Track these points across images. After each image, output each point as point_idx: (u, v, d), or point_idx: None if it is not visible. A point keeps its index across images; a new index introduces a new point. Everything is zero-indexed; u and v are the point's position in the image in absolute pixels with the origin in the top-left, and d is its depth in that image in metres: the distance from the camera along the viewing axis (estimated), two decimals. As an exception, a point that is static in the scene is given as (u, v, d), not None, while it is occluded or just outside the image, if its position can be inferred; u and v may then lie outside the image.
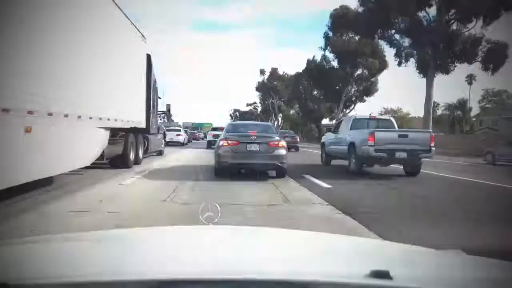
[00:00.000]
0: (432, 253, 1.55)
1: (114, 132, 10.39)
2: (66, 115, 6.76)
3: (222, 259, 1.26)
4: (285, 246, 1.59)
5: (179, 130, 33.07)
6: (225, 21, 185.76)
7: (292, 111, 74.13)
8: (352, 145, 11.40)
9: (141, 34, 12.67)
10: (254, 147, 9.53)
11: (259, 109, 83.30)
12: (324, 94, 52.64)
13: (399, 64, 32.98)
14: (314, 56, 52.03)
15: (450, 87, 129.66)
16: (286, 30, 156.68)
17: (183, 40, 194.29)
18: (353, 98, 51.88)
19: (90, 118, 7.97)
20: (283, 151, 9.69)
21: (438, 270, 1.27)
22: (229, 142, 9.58)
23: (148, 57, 14.46)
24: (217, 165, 9.86)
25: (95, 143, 8.75)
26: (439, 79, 36.63)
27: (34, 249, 1.41)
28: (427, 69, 30.86)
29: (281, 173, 9.89)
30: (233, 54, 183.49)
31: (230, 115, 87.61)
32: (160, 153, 18.04)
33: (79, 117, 7.33)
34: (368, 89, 50.81)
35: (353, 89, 50.99)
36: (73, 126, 7.22)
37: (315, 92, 57.65)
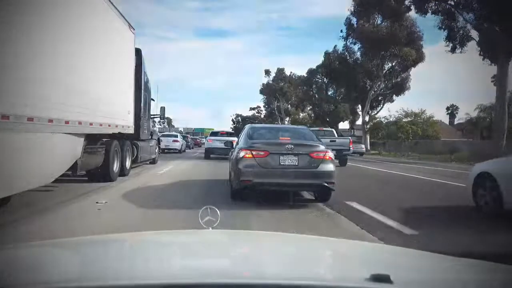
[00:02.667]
0: (432, 257, 1.56)
1: (92, 139, 8.52)
2: (5, 116, 4.87)
3: (221, 263, 1.29)
4: (285, 250, 1.59)
5: (176, 136, 29.89)
6: (225, 27, 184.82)
7: (302, 114, 66.25)
8: None
9: (128, 23, 10.83)
10: (290, 160, 6.86)
11: (263, 113, 77.84)
12: (345, 93, 44.34)
13: (453, 49, 26.68)
14: (335, 46, 42.33)
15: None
16: (286, 36, 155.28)
17: (184, 46, 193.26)
18: (380, 98, 42.50)
19: (50, 121, 6.09)
20: (331, 166, 7.02)
21: (438, 274, 1.27)
22: (254, 152, 6.89)
23: (138, 52, 12.64)
24: (236, 184, 7.14)
25: (59, 154, 6.86)
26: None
27: (33, 254, 1.39)
28: (499, 53, 23.48)
29: (324, 195, 7.32)
30: (234, 60, 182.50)
31: (232, 120, 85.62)
32: (153, 161, 16.12)
33: (30, 119, 5.44)
34: (400, 86, 41.21)
35: (381, 86, 41.36)
36: (23, 133, 5.35)
37: (330, 92, 52.25)
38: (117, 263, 1.29)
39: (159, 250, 1.53)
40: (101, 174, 9.42)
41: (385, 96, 42.14)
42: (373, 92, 40.86)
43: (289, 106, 65.45)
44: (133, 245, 1.63)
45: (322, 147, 7.14)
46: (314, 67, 52.91)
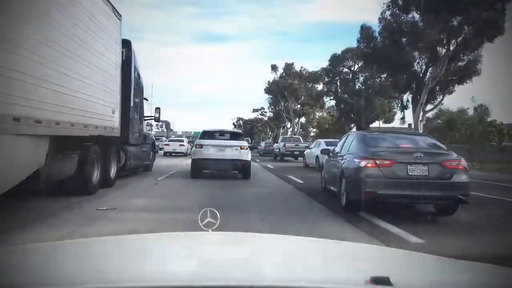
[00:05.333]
0: (432, 259, 1.56)
1: (62, 143, 6.80)
2: None
3: (221, 266, 1.26)
4: (284, 253, 1.58)
5: (182, 141, 32.36)
6: (224, 32, 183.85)
7: (319, 113, 55.59)
8: (278, 149, 27.30)
9: (113, 7, 9.15)
10: (420, 170, 6.23)
11: (268, 114, 68.66)
12: (392, 81, 29.84)
13: None
14: (382, 13, 26.05)
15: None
16: (285, 42, 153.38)
17: (182, 51, 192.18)
18: (437, 87, 27.29)
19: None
20: (465, 177, 6.43)
21: (438, 276, 1.26)
22: (378, 161, 6.29)
23: (127, 43, 10.97)
24: (355, 196, 6.52)
25: (8, 161, 5.15)
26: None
27: (32, 256, 1.39)
28: None
29: (451, 209, 6.70)
30: (234, 64, 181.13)
31: (234, 123, 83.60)
32: (147, 168, 14.36)
33: None
34: (467, 71, 26.48)
35: (442, 71, 25.43)
36: None
37: (358, 85, 41.35)
38: (116, 266, 1.26)
39: (158, 252, 1.52)
40: (76, 186, 7.67)
41: (447, 83, 27.16)
42: (432, 77, 25.98)
43: (299, 105, 54.61)
44: (132, 247, 1.60)
45: (454, 155, 6.59)
46: (339, 52, 41.26)
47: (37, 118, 5.64)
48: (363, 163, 6.38)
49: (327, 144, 17.57)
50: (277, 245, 1.72)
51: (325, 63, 43.62)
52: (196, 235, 1.79)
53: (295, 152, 25.68)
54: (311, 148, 20.37)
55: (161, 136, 50.81)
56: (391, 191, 6.21)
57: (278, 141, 30.19)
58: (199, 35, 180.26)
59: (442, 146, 7.27)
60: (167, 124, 73.74)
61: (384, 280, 0.98)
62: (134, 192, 8.91)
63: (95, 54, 7.87)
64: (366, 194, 6.21)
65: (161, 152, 29.44)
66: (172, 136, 53.40)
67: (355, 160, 6.69)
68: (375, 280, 0.98)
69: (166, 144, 31.06)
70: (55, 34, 6.19)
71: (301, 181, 11.98)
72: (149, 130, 30.30)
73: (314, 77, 48.12)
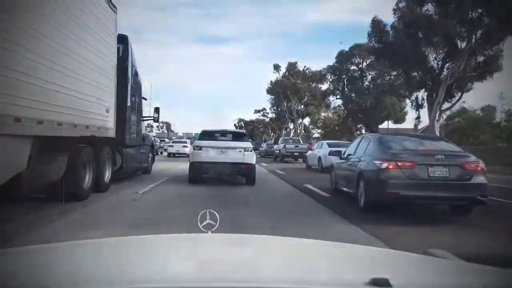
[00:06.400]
0: (431, 260, 1.61)
1: (48, 144, 6.13)
2: None
3: (221, 267, 1.26)
4: (283, 254, 1.57)
5: (185, 142, 32.97)
6: (225, 33, 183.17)
7: (324, 114, 53.55)
8: (278, 150, 27.82)
9: (108, -2, 8.48)
10: (441, 172, 6.39)
11: (270, 115, 66.63)
12: (405, 78, 27.41)
13: None
14: (398, 2, 24.18)
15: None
16: (286, 43, 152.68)
17: (183, 52, 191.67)
18: (454, 85, 24.70)
19: None
20: (484, 178, 6.56)
21: (437, 278, 1.26)
22: (400, 163, 6.44)
23: (124, 38, 10.36)
24: (376, 197, 6.64)
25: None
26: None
27: (32, 257, 1.39)
28: None
29: (468, 210, 6.86)
30: (235, 65, 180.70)
31: (235, 125, 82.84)
32: (145, 171, 13.66)
33: None
34: (490, 65, 24.08)
35: (461, 66, 23.20)
36: None
37: (366, 84, 39.06)
38: (115, 267, 1.26)
39: (157, 254, 1.50)
40: (66, 191, 6.98)
41: (466, 80, 24.61)
42: (453, 71, 23.47)
43: (303, 106, 52.63)
44: (131, 249, 1.58)
45: (473, 157, 6.80)
46: (347, 48, 39.13)
47: (16, 116, 4.97)
48: (384, 165, 6.51)
49: (330, 145, 17.33)
50: (277, 247, 1.72)
51: (327, 64, 41.89)
52: (195, 237, 1.78)
53: (295, 153, 25.87)
54: (314, 149, 20.14)
55: (164, 137, 50.40)
56: (413, 192, 6.34)
57: (278, 142, 30.26)
58: (199, 36, 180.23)
59: (459, 148, 7.48)
60: (168, 125, 73.19)
61: (383, 282, 0.98)
62: (125, 199, 8.21)
63: (86, 46, 7.17)
64: (388, 195, 6.37)
65: (164, 153, 32.81)
66: (173, 137, 52.85)
67: (375, 162, 6.75)
68: (375, 282, 0.98)
69: (170, 146, 32.45)
70: (36, 19, 5.50)
71: (325, 194, 9.38)
72: (149, 132, 30.48)
73: (318, 76, 46.40)
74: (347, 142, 21.17)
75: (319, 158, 17.56)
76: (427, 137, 9.45)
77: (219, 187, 10.50)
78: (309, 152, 20.80)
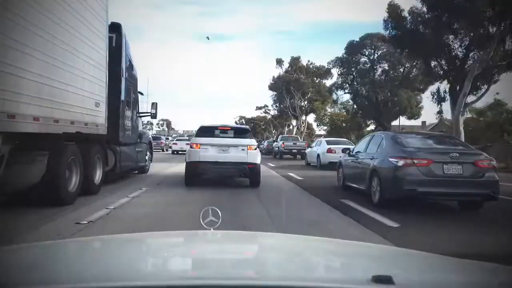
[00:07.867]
0: (434, 258, 1.56)
1: (23, 142, 5.30)
2: None
3: (223, 264, 1.25)
4: (286, 251, 1.58)
5: (188, 139, 34.34)
6: (226, 31, 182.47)
7: (330, 109, 50.60)
8: (277, 147, 27.85)
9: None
10: (455, 169, 6.66)
11: (272, 112, 64.24)
12: (425, 68, 24.96)
13: None
14: None
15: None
16: (288, 41, 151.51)
17: (184, 50, 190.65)
18: (479, 76, 20.85)
19: None
20: (495, 175, 6.85)
21: (439, 275, 1.25)
22: (416, 161, 6.66)
23: (117, 27, 9.58)
24: (394, 193, 6.84)
25: None
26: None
27: (33, 254, 1.36)
28: None
29: (479, 204, 7.11)
30: (236, 63, 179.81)
31: (236, 122, 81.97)
32: (142, 170, 12.81)
33: None
34: None
35: (491, 55, 19.67)
36: None
37: (379, 76, 34.82)
38: (118, 264, 1.24)
39: (160, 251, 1.49)
40: (47, 195, 6.14)
41: (494, 70, 21.53)
42: (478, 63, 20.31)
43: (306, 102, 49.67)
44: (134, 246, 1.57)
45: (485, 155, 7.04)
46: (357, 38, 35.96)
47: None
48: (401, 162, 6.71)
49: (329, 143, 18.26)
50: (280, 244, 1.72)
51: (327, 61, 39.75)
52: (198, 234, 1.77)
53: (293, 151, 26.33)
54: (312, 147, 20.34)
55: (163, 135, 49.97)
56: (429, 188, 6.57)
57: (277, 140, 30.77)
58: (200, 34, 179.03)
59: (470, 146, 7.74)
60: (168, 123, 72.34)
61: (386, 279, 0.97)
62: (117, 206, 7.37)
63: (67, 28, 6.27)
64: (405, 192, 6.60)
65: (169, 150, 34.58)
66: (174, 135, 52.21)
67: (391, 159, 6.94)
68: (377, 279, 0.97)
69: (174, 143, 34.11)
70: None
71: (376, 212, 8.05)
72: (149, 129, 30.41)
73: (323, 71, 44.70)
74: (346, 140, 22.11)
75: (318, 155, 17.98)
76: (436, 136, 9.55)
77: (219, 190, 9.59)
78: (308, 149, 21.16)
